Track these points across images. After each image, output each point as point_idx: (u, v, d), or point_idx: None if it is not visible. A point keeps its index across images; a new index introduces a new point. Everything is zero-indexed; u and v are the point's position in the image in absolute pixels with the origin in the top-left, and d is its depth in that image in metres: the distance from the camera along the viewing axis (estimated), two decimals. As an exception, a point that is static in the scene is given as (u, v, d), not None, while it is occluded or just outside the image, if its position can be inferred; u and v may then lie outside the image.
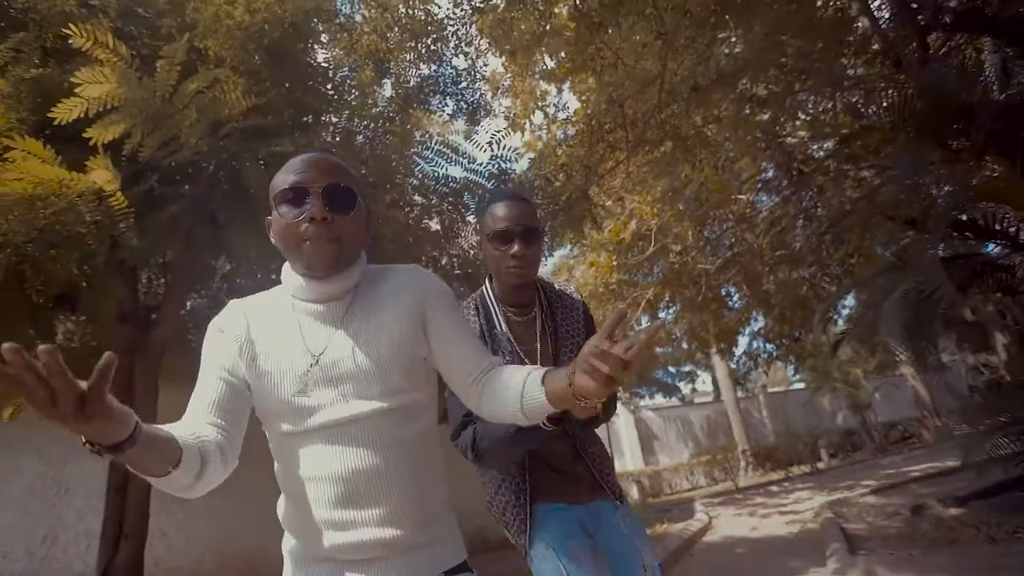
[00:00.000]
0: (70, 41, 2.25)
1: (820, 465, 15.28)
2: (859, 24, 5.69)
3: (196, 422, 0.93)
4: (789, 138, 7.00)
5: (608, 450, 1.68)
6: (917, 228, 5.96)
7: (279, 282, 1.08)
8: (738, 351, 14.59)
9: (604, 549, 1.48)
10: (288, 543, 1.09)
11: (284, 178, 1.00)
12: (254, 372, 0.99)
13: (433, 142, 4.08)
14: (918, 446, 15.86)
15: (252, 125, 2.96)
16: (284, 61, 3.42)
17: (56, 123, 2.35)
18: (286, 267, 1.07)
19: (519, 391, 0.94)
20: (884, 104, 5.14)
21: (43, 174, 2.20)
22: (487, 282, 1.63)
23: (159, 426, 0.83)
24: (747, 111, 5.93)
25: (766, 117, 6.14)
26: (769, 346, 13.35)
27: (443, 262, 4.93)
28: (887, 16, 5.48)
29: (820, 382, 18.15)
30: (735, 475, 15.12)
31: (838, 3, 5.20)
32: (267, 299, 1.08)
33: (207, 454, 0.87)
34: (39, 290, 2.69)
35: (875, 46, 5.57)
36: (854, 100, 6.09)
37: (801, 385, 22.86)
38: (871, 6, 5.27)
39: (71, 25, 2.20)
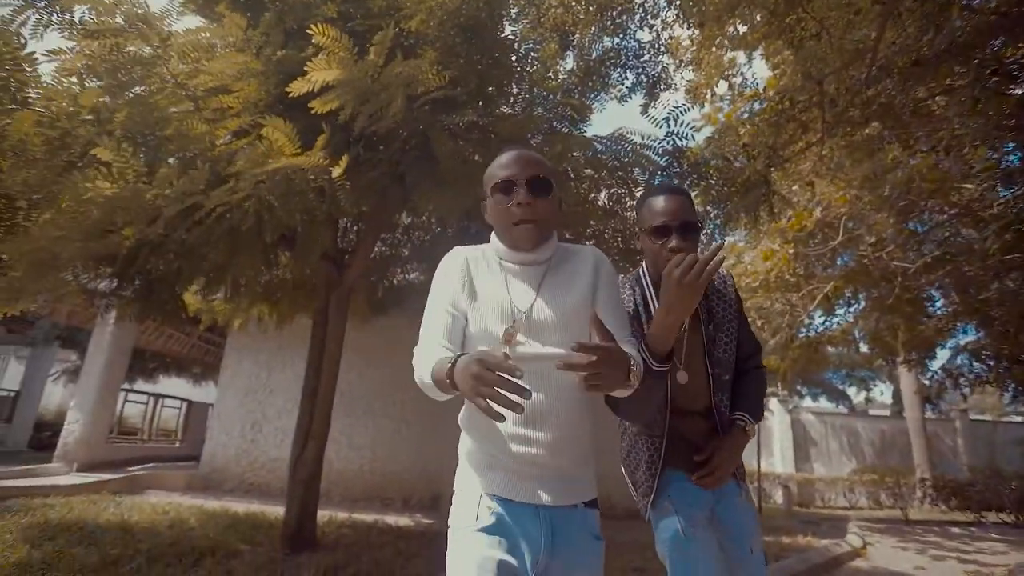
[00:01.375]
0: (308, 30, 2.64)
1: (1027, 517, 12.68)
2: None
3: (437, 347, 1.23)
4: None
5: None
6: None
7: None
8: (934, 365, 12.46)
9: (721, 525, 1.54)
10: (466, 447, 1.30)
11: (496, 172, 1.30)
12: (472, 305, 1.28)
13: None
14: None
15: (441, 96, 3.21)
16: (474, 36, 3.61)
17: (291, 95, 2.80)
18: (494, 235, 1.36)
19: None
20: None
21: (284, 149, 2.67)
22: (643, 267, 1.68)
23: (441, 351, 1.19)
24: (991, 83, 4.83)
25: (1019, 92, 4.95)
26: (979, 365, 11.15)
27: (606, 235, 4.94)
28: None
29: (1046, 418, 14.84)
30: (907, 504, 13.23)
31: None
32: (481, 251, 1.36)
33: None
34: (270, 231, 3.29)
35: None
36: None
37: (1019, 418, 18.89)
38: None
39: (314, 26, 2.60)
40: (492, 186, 1.30)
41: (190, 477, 7.91)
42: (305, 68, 2.66)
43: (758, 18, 4.98)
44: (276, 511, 5.22)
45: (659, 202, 1.54)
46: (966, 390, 11.38)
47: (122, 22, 2.75)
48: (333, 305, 4.77)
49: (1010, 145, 5.72)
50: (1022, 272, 7.68)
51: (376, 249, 5.46)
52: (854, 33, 4.26)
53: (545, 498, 1.20)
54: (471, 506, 1.21)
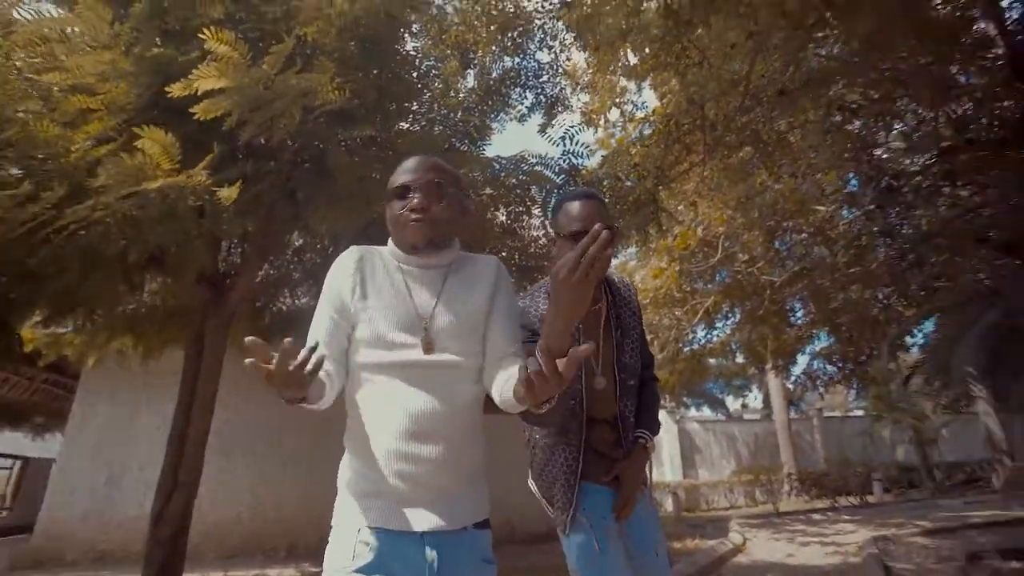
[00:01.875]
0: (194, 32, 2.38)
1: (871, 499, 14.50)
2: (979, 26, 5.18)
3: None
4: (880, 150, 6.55)
5: None
6: (1013, 254, 5.50)
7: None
8: (796, 370, 13.97)
9: (628, 531, 1.57)
10: (346, 474, 1.20)
11: (396, 178, 1.27)
12: (361, 308, 1.19)
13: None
14: (986, 491, 14.77)
15: (338, 109, 3.03)
16: (374, 49, 3.47)
17: (169, 97, 2.47)
18: (391, 241, 1.30)
19: (501, 384, 1.13)
20: (994, 117, 4.73)
21: (162, 164, 2.35)
22: None
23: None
24: (837, 118, 5.59)
25: (857, 125, 5.77)
26: (831, 368, 12.69)
27: (504, 253, 4.95)
28: (1014, 17, 4.99)
29: (882, 411, 17.16)
30: (777, 498, 14.56)
31: (959, 2, 4.73)
32: (378, 253, 1.29)
33: (332, 379, 1.12)
34: (136, 252, 2.86)
35: (995, 51, 5.07)
36: (961, 111, 5.60)
37: (860, 412, 21.72)
38: (999, 4, 4.78)
39: (205, 30, 2.34)
40: (390, 192, 1.27)
41: (16, 552, 6.58)
42: (191, 74, 2.36)
43: (647, 50, 5.35)
44: (133, 578, 4.49)
45: (575, 207, 1.53)
46: (821, 390, 12.90)
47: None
48: (210, 334, 4.26)
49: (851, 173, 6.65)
50: (862, 284, 8.89)
51: (263, 271, 5.01)
52: (730, 64, 4.74)
53: (430, 524, 1.11)
54: (347, 543, 1.10)
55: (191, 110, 2.52)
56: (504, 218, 4.87)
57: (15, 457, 10.67)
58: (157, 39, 2.78)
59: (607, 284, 1.67)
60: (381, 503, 1.12)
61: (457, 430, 1.15)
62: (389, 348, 1.15)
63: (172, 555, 3.88)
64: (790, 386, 16.01)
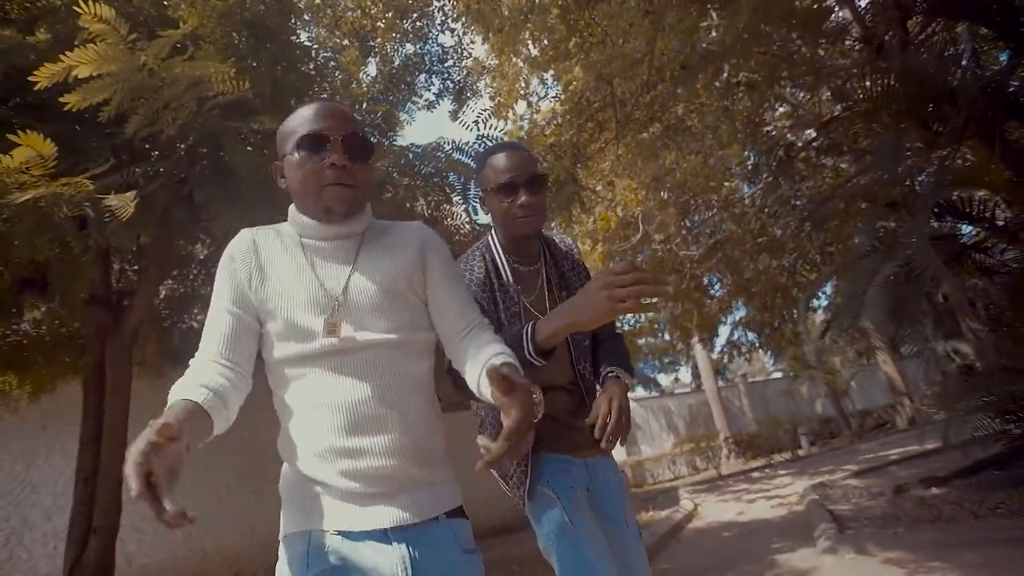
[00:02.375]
0: (50, 23, 2.13)
1: (800, 452, 15.55)
2: (837, 13, 5.75)
3: (207, 370, 0.97)
4: (771, 126, 7.03)
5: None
6: (898, 211, 6.05)
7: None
8: (720, 340, 14.74)
9: (596, 502, 1.48)
10: (287, 481, 1.05)
11: (302, 124, 1.03)
12: (263, 297, 1.03)
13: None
14: (892, 432, 16.23)
15: (233, 101, 2.83)
16: (264, 38, 3.29)
17: (26, 90, 2.21)
18: (293, 208, 1.10)
19: (477, 375, 1.01)
20: (865, 91, 5.18)
21: (33, 171, 2.09)
22: (492, 234, 1.59)
23: (188, 403, 0.89)
24: (730, 98, 5.94)
25: (749, 104, 6.15)
26: (751, 335, 13.49)
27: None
28: (866, 3, 5.54)
29: (799, 371, 18.48)
30: (717, 463, 15.31)
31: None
32: (275, 231, 1.10)
33: (227, 400, 0.95)
34: (8, 274, 2.55)
35: (855, 33, 5.61)
36: (836, 86, 6.12)
37: (780, 374, 23.27)
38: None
39: (81, 3, 2.08)
40: (296, 142, 1.02)
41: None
42: (60, 59, 2.11)
43: (546, 41, 5.42)
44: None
45: (501, 159, 1.46)
46: (745, 357, 13.71)
47: None
48: (111, 361, 3.92)
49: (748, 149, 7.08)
50: (769, 253, 9.48)
51: (166, 287, 4.65)
52: (632, 42, 4.89)
53: (393, 519, 0.96)
54: (299, 555, 0.95)
55: (63, 99, 2.26)
56: (425, 208, 4.78)
57: None
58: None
59: (546, 245, 1.61)
60: (334, 504, 0.96)
61: (403, 415, 0.99)
62: (303, 338, 0.99)
63: (94, 612, 3.53)
64: (716, 356, 16.88)
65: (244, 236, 1.08)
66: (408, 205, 4.41)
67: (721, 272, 10.39)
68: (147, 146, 2.95)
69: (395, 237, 1.12)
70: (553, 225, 5.62)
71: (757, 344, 13.50)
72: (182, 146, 3.09)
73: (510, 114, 7.20)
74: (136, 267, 4.27)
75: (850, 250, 7.92)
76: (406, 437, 0.98)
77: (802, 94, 6.75)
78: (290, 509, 1.01)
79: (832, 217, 7.41)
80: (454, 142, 4.12)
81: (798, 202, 7.93)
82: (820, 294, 12.92)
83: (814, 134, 6.93)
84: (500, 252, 1.53)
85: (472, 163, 4.30)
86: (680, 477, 16.23)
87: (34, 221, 2.12)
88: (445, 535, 1.01)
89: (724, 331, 14.50)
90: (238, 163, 3.03)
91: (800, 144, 7.43)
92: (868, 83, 5.37)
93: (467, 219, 4.71)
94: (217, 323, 1.02)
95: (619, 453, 17.82)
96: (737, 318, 13.50)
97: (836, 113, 6.09)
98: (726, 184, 7.73)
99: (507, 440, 0.81)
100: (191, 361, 0.99)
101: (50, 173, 2.30)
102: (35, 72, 2.29)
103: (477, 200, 1.65)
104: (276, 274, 1.03)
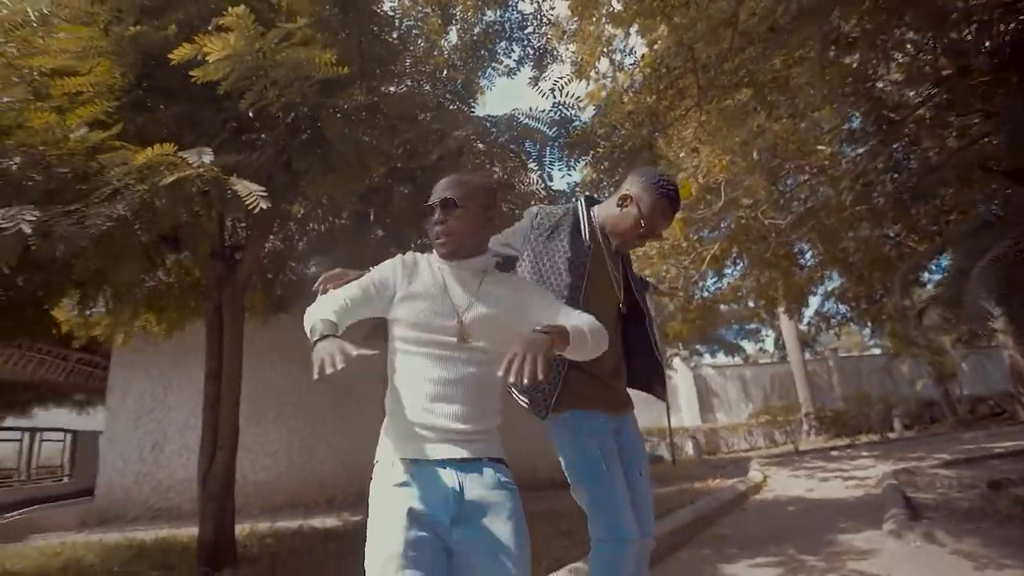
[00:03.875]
0: (176, 14, 2.47)
1: (891, 435, 14.66)
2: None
3: (330, 305, 1.40)
4: (880, 83, 6.37)
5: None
6: (1020, 181, 5.42)
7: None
8: (809, 311, 13.96)
9: (621, 451, 1.77)
10: (387, 424, 1.45)
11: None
12: (405, 294, 1.46)
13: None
14: (1009, 423, 14.78)
15: (328, 77, 3.10)
16: (351, 11, 3.50)
17: (158, 75, 2.56)
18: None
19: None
20: (993, 43, 4.58)
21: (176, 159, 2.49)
22: (603, 211, 1.94)
23: (329, 312, 1.37)
24: (833, 53, 5.45)
25: (855, 59, 5.61)
26: (843, 307, 12.65)
27: (503, 207, 5.02)
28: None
29: (900, 348, 17.09)
30: (796, 438, 14.80)
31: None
32: (427, 259, 1.57)
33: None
34: (147, 233, 3.03)
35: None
36: (961, 36, 5.41)
37: (878, 351, 21.65)
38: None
39: (229, 9, 2.44)
40: (425, 211, 1.53)
41: (84, 513, 7.17)
42: (195, 41, 2.47)
43: (629, -4, 5.21)
44: (190, 532, 4.89)
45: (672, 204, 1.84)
46: (835, 330, 12.92)
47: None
48: (227, 306, 4.49)
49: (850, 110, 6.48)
50: (871, 222, 8.78)
51: (269, 243, 5.19)
52: (718, 3, 4.63)
53: (451, 454, 1.35)
54: (387, 470, 1.37)
55: (192, 72, 2.63)
56: (500, 174, 4.93)
57: (65, 431, 11.40)
58: (133, 17, 2.86)
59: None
60: (412, 442, 1.37)
61: (472, 400, 1.40)
62: (426, 330, 1.42)
63: (223, 509, 4.21)
64: (804, 328, 16.02)
65: (412, 255, 1.56)
66: (486, 168, 4.57)
67: (813, 241, 9.78)
68: (255, 122, 3.29)
69: (510, 282, 1.58)
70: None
71: (850, 317, 12.66)
72: (285, 120, 3.41)
73: (592, 73, 7.06)
74: (245, 226, 4.80)
75: (970, 220, 7.16)
76: (469, 408, 1.39)
77: (919, 45, 6.01)
78: (387, 442, 1.42)
79: (945, 184, 6.72)
80: (530, 109, 4.20)
81: (909, 165, 7.23)
82: (932, 267, 11.79)
83: (931, 90, 6.22)
84: (599, 228, 1.91)
85: (547, 130, 4.37)
86: (755, 448, 15.89)
87: (175, 194, 2.52)
88: (486, 470, 1.38)
89: (815, 302, 13.70)
90: (332, 135, 3.34)
91: (916, 102, 6.71)
92: (1001, 34, 4.75)
93: (541, 185, 4.81)
94: (356, 286, 1.47)
95: (694, 419, 17.65)
96: (829, 289, 12.73)
97: (958, 68, 5.41)
98: (821, 148, 7.17)
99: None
100: (323, 297, 1.47)
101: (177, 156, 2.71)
102: (171, 52, 2.69)
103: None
104: (420, 281, 1.48)
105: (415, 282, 1.48)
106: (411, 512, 1.27)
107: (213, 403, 4.45)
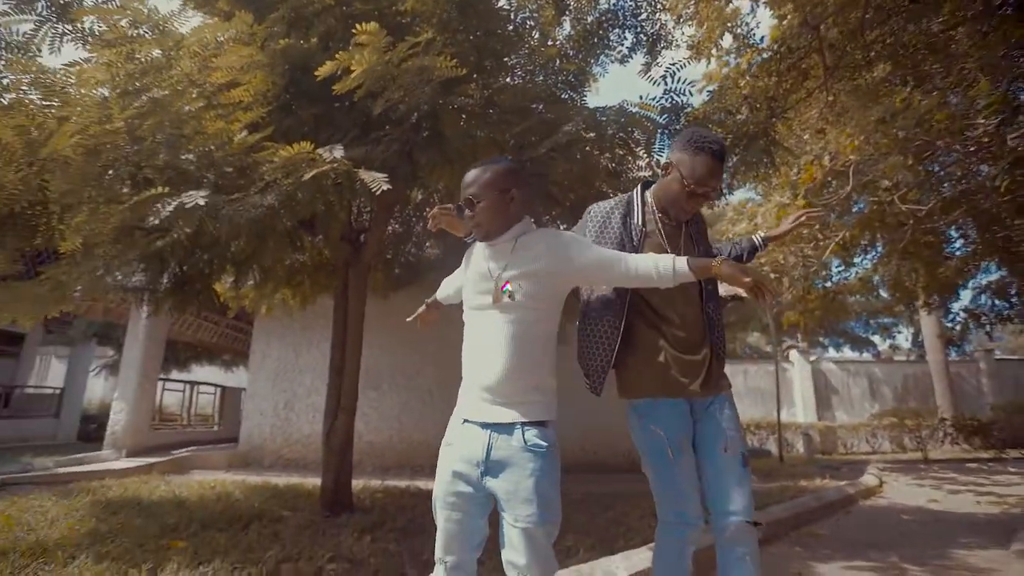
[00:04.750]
0: (353, 33, 2.78)
1: (1053, 451, 12.71)
2: None
3: (441, 288, 2.14)
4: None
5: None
6: None
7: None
8: (956, 306, 12.32)
9: (699, 433, 1.80)
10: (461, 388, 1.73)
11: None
12: (463, 276, 1.80)
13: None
14: None
15: (447, 76, 3.29)
16: (470, 9, 3.65)
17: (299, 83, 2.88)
18: None
19: (654, 261, 1.61)
20: None
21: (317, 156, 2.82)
22: (654, 191, 1.96)
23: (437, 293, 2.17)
24: (1006, 10, 4.68)
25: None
26: (1000, 303, 11.01)
27: (610, 194, 4.99)
28: None
29: (1072, 353, 14.64)
30: (927, 445, 13.33)
31: None
32: (477, 244, 1.81)
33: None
34: (290, 219, 3.44)
35: None
36: None
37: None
38: None
39: (358, 26, 2.74)
40: (457, 206, 1.76)
41: (231, 456, 8.32)
42: (336, 57, 2.77)
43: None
44: (314, 481, 5.54)
45: (711, 165, 1.78)
46: (988, 329, 11.27)
47: (126, 27, 2.87)
48: (352, 284, 4.95)
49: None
50: (1042, 206, 7.53)
51: (390, 227, 5.60)
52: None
53: (488, 417, 1.56)
54: (449, 428, 1.67)
55: (334, 88, 2.94)
56: (609, 163, 4.90)
57: (216, 385, 13.20)
58: (283, 32, 3.21)
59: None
60: (466, 401, 1.63)
61: (513, 357, 1.55)
62: (471, 299, 1.68)
63: (342, 463, 4.74)
64: (948, 324, 14.21)
65: (471, 247, 1.83)
66: (592, 161, 4.58)
67: (964, 227, 8.60)
68: (383, 120, 3.57)
69: (537, 243, 1.66)
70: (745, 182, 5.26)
71: (1009, 315, 10.99)
72: (409, 119, 3.67)
73: (713, 51, 6.67)
74: (369, 211, 5.22)
75: None
76: (509, 368, 1.55)
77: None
78: (457, 403, 1.70)
79: None
80: (640, 98, 4.12)
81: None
82: None
83: None
84: (655, 207, 1.95)
85: (656, 117, 4.27)
86: (878, 452, 14.57)
87: (313, 187, 2.86)
88: (517, 434, 1.53)
89: (966, 296, 12.05)
90: (449, 131, 3.54)
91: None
92: None
93: (649, 173, 4.72)
94: (451, 279, 2.07)
95: (809, 415, 16.47)
96: (984, 282, 11.15)
97: None
98: (980, 122, 6.24)
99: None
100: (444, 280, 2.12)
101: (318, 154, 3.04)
102: (313, 62, 3.02)
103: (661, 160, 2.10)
104: (471, 265, 1.75)
105: (469, 267, 1.75)
106: (452, 467, 1.58)
107: (337, 369, 4.95)
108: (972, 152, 6.87)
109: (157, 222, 2.50)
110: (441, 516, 1.59)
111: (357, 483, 5.43)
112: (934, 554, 3.89)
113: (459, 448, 1.59)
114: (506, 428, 1.54)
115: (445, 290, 2.06)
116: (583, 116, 3.75)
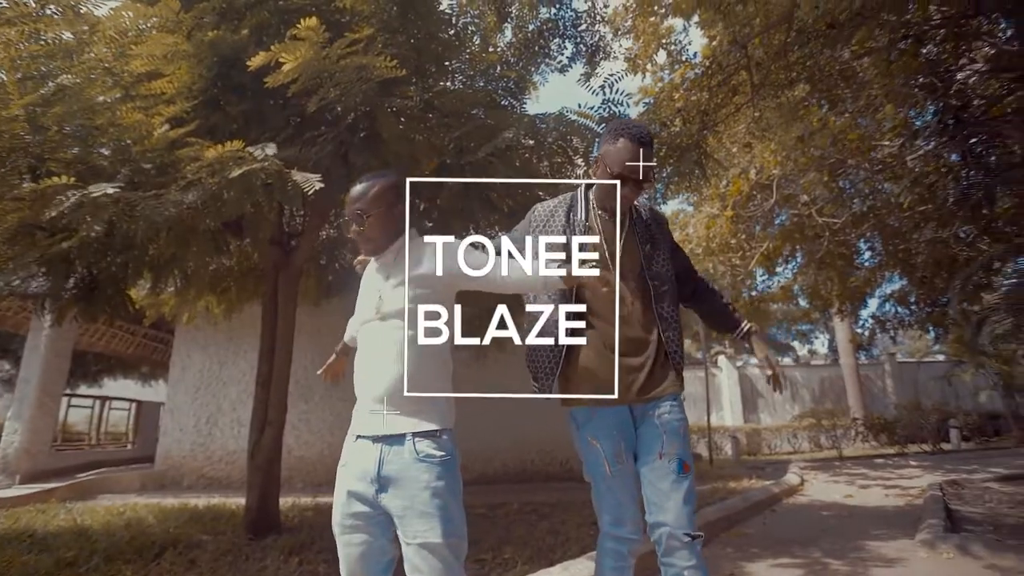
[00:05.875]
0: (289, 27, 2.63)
1: (946, 446, 13.95)
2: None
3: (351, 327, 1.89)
4: (959, 75, 5.98)
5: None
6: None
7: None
8: (865, 313, 13.38)
9: (639, 439, 1.72)
10: None
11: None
12: (359, 295, 1.73)
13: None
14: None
15: (386, 76, 3.20)
16: (411, 10, 3.59)
17: (230, 75, 2.72)
18: None
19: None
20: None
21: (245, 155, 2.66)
22: (590, 190, 1.90)
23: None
24: (904, 45, 5.16)
25: (930, 50, 5.28)
26: (903, 311, 12.05)
27: (547, 200, 5.02)
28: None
29: (963, 355, 16.14)
30: (842, 444, 14.31)
31: None
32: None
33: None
34: (213, 220, 3.23)
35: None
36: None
37: (942, 357, 20.55)
38: None
39: (302, 20, 2.58)
40: (343, 221, 1.67)
41: (144, 477, 7.71)
42: (271, 49, 2.62)
43: (690, -15, 5.10)
44: (238, 501, 5.21)
45: (632, 150, 1.71)
46: (892, 334, 12.31)
47: (32, 3, 2.62)
48: (282, 290, 4.71)
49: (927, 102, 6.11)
50: (937, 222, 8.31)
51: (323, 231, 5.39)
52: (775, -1, 4.48)
53: (377, 429, 1.51)
54: (343, 448, 1.60)
55: (264, 80, 2.78)
56: (548, 170, 4.95)
57: (131, 400, 12.22)
58: (212, 23, 3.03)
59: (634, 209, 1.86)
60: (357, 419, 1.58)
61: (400, 365, 1.51)
62: (361, 312, 1.66)
63: (269, 481, 4.46)
64: (858, 331, 15.37)
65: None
66: (533, 163, 4.60)
67: (872, 239, 9.36)
68: (316, 120, 3.43)
69: (414, 251, 1.63)
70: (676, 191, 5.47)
71: (909, 321, 12.05)
72: (345, 119, 3.54)
73: (648, 67, 6.94)
74: (302, 215, 5.00)
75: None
76: (394, 380, 1.50)
77: (1000, 35, 5.62)
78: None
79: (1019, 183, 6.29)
80: (579, 105, 4.19)
81: (991, 161, 6.77)
82: (1008, 270, 11.05)
83: (1017, 79, 5.80)
84: (593, 202, 1.87)
85: (595, 126, 4.36)
86: (799, 452, 15.46)
87: (241, 186, 2.69)
88: (408, 445, 1.48)
89: (873, 303, 13.10)
90: (387, 132, 3.45)
91: (1000, 93, 6.27)
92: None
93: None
94: (354, 316, 1.81)
95: (736, 419, 17.29)
96: (888, 291, 12.16)
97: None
98: (885, 143, 6.82)
99: None
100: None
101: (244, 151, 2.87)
102: (244, 55, 2.85)
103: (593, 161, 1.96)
104: (362, 282, 1.73)
105: (361, 288, 1.72)
106: (347, 488, 1.51)
107: (264, 381, 4.69)
108: (878, 171, 7.49)
109: (57, 217, 2.26)
110: (341, 541, 1.53)
111: (285, 501, 5.15)
112: (851, 547, 4.12)
113: (352, 467, 1.53)
114: (396, 440, 1.49)
115: (351, 330, 1.88)
116: (523, 123, 3.77)
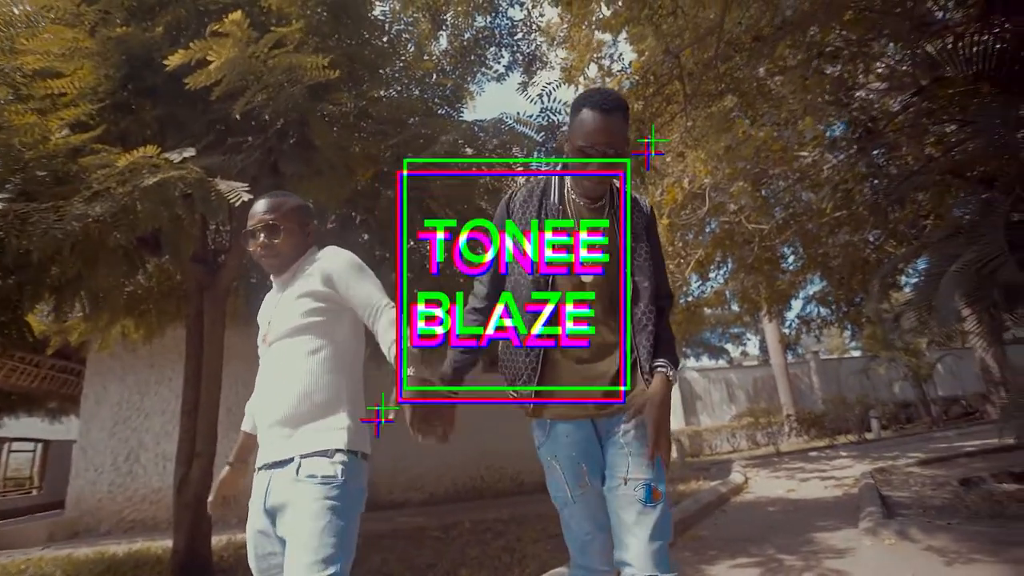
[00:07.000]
0: (215, 26, 2.44)
1: (868, 435, 14.92)
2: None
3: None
4: (861, 92, 6.52)
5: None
6: (993, 188, 5.56)
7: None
8: (791, 315, 14.17)
9: (604, 457, 1.49)
10: None
11: (247, 224, 1.60)
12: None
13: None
14: (981, 422, 15.15)
15: (318, 81, 3.06)
16: (342, 15, 3.48)
17: (143, 76, 2.51)
18: None
19: (386, 350, 1.42)
20: (970, 53, 4.72)
21: (158, 161, 2.44)
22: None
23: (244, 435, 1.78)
24: (815, 64, 5.56)
25: (836, 69, 5.72)
26: (824, 311, 12.86)
27: (490, 211, 5.00)
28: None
29: (877, 350, 17.43)
30: (778, 440, 15.00)
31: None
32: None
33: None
34: (125, 235, 2.95)
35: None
36: (939, 48, 5.57)
37: (857, 353, 22.08)
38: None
39: (226, 17, 2.39)
40: (244, 235, 1.61)
41: (53, 526, 6.95)
42: (190, 46, 2.42)
43: (620, 2, 5.26)
44: (164, 544, 4.78)
45: (592, 120, 1.46)
46: (816, 333, 13.11)
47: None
48: (208, 311, 4.40)
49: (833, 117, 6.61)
50: (851, 227, 8.95)
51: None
52: (704, 12, 4.68)
53: (268, 456, 1.44)
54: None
55: (185, 81, 2.58)
56: (488, 180, 4.91)
57: (36, 440, 11.07)
58: (120, 19, 2.79)
59: (612, 192, 1.61)
60: (261, 447, 1.50)
61: (288, 394, 1.43)
62: (258, 343, 1.58)
63: (199, 519, 4.10)
64: (785, 331, 16.26)
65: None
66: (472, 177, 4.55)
67: (795, 245, 9.95)
68: (243, 125, 3.24)
69: (311, 265, 1.56)
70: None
71: (831, 320, 12.87)
72: (274, 124, 3.36)
73: (581, 79, 7.11)
74: (228, 229, 4.71)
75: (948, 225, 7.34)
76: (286, 408, 1.43)
77: (898, 56, 6.16)
78: None
79: (921, 189, 6.88)
80: (517, 114, 4.19)
81: (890, 171, 7.38)
82: (910, 270, 12.07)
83: (911, 98, 6.38)
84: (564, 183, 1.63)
85: (534, 134, 4.38)
86: (738, 450, 16.05)
87: (156, 197, 2.47)
88: (293, 468, 1.38)
89: (797, 305, 13.92)
90: (320, 139, 3.30)
91: (894, 110, 6.87)
92: (974, 44, 4.86)
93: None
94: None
95: (678, 422, 17.78)
96: (811, 292, 12.93)
97: (935, 77, 5.56)
98: (804, 154, 7.30)
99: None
100: None
101: (159, 157, 2.65)
102: (158, 54, 2.64)
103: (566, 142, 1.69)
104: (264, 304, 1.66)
105: (259, 317, 1.65)
106: (253, 526, 1.45)
107: (191, 409, 4.35)
108: (798, 180, 7.98)
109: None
110: None
111: (219, 540, 4.77)
112: (802, 540, 4.25)
113: (253, 501, 1.44)
114: (283, 464, 1.40)
115: (250, 416, 1.71)
116: (460, 129, 3.71)
